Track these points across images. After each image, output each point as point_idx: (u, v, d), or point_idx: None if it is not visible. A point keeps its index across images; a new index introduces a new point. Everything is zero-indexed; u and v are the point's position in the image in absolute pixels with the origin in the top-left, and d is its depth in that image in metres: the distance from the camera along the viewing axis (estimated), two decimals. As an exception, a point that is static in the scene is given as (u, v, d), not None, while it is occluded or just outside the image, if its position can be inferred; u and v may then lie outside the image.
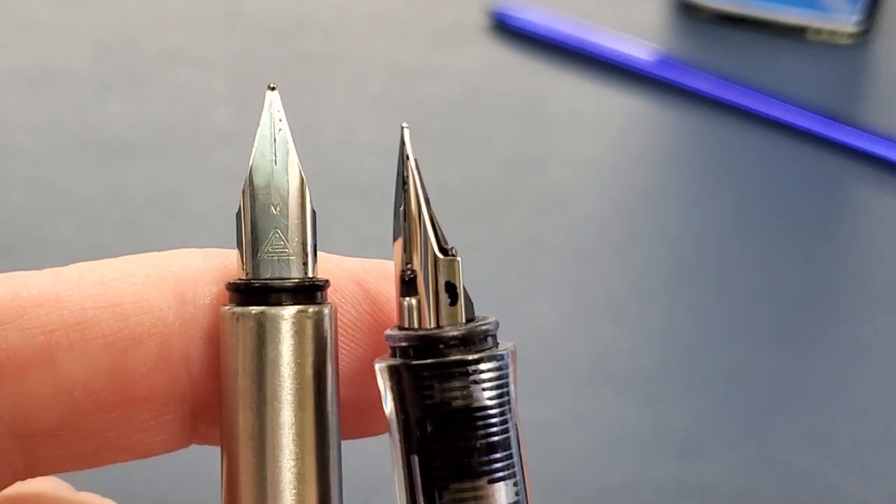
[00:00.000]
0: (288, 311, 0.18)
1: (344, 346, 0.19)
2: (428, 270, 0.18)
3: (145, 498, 0.33)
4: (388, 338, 0.18)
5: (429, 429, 0.17)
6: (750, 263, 0.45)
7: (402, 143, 0.19)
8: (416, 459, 0.17)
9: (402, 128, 0.19)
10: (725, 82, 0.52)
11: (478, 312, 0.19)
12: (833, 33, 0.56)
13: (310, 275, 0.18)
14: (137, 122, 0.49)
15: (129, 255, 0.19)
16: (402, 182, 0.19)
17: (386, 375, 0.18)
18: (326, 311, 0.18)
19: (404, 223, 0.18)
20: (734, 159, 0.50)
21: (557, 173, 0.48)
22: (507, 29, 0.55)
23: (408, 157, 0.18)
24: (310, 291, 0.18)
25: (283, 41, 0.54)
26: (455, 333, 0.18)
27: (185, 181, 0.46)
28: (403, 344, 0.18)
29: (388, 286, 0.19)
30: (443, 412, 0.17)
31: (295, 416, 0.18)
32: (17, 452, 0.18)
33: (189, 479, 0.34)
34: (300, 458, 0.18)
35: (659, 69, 0.53)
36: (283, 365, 0.18)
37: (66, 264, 0.19)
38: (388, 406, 0.18)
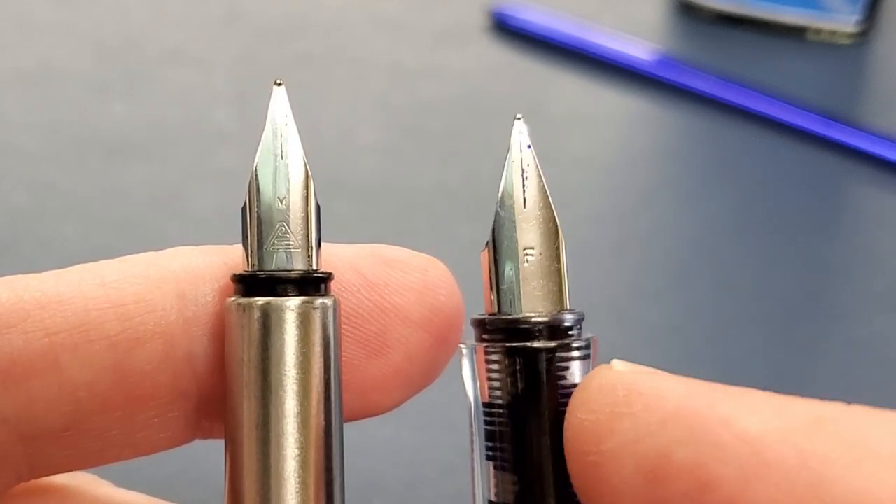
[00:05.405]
0: (293, 302, 0.18)
1: (345, 333, 0.19)
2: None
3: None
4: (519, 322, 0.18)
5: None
6: (750, 263, 0.45)
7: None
8: (547, 440, 0.18)
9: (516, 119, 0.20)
10: (725, 82, 0.52)
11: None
12: (833, 33, 0.56)
13: (314, 267, 0.19)
14: (137, 123, 0.49)
15: (128, 256, 0.19)
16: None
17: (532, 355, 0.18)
18: (331, 302, 0.18)
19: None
20: (734, 159, 0.50)
21: (557, 173, 0.48)
22: (507, 29, 0.55)
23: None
24: (315, 283, 0.18)
25: (283, 41, 0.54)
26: (576, 317, 0.19)
27: (185, 181, 0.46)
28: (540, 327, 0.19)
29: (384, 269, 0.20)
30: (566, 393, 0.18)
31: (299, 406, 0.18)
32: (22, 454, 0.18)
33: (190, 474, 0.34)
34: (304, 447, 0.18)
35: (659, 69, 0.53)
36: (287, 355, 0.18)
37: (67, 264, 0.19)
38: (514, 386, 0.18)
